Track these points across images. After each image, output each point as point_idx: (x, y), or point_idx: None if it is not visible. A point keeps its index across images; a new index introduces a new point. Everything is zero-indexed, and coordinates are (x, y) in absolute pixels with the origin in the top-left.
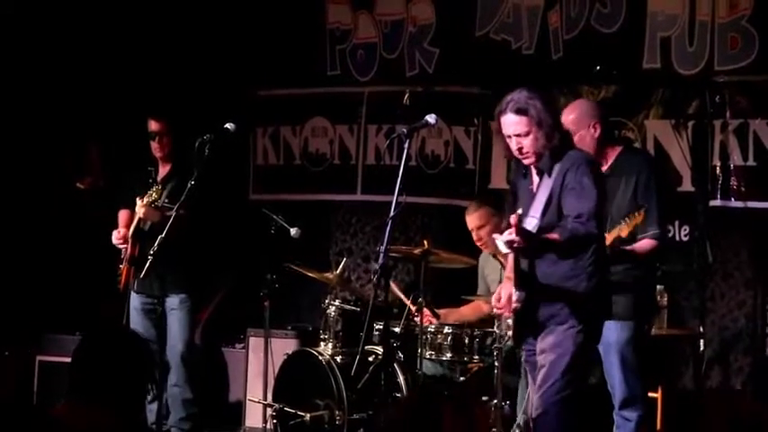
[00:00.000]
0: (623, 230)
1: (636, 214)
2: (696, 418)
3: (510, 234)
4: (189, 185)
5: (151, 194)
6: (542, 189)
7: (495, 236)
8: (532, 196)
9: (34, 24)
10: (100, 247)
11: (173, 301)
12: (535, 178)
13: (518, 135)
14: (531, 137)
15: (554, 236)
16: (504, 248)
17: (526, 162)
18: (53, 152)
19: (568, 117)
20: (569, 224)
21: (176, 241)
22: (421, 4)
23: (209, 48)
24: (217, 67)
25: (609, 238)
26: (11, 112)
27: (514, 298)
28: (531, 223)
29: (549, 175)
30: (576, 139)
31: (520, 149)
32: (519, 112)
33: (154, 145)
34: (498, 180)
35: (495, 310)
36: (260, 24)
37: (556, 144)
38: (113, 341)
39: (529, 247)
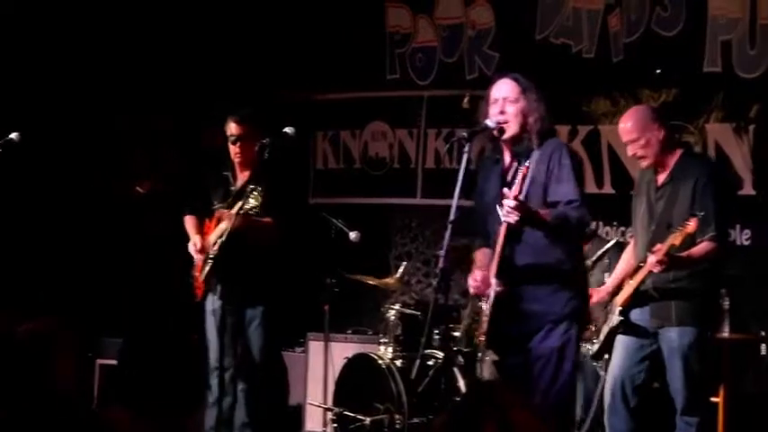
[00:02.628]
0: (677, 238)
1: (688, 223)
2: (758, 422)
3: (511, 200)
4: (247, 190)
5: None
6: (519, 174)
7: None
8: (503, 182)
9: (93, 25)
10: (159, 251)
11: (254, 313)
12: (508, 163)
13: (506, 98)
14: (517, 105)
15: (544, 213)
16: (503, 215)
17: (507, 129)
18: (113, 156)
19: (627, 124)
20: (561, 209)
21: (259, 251)
22: (480, 8)
23: (271, 52)
24: (278, 70)
25: (663, 247)
26: (73, 115)
27: (494, 283)
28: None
29: (526, 160)
30: (641, 143)
31: (502, 112)
32: (516, 80)
33: (233, 149)
34: None
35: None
36: (320, 28)
37: (538, 130)
38: (155, 347)
39: (523, 219)
